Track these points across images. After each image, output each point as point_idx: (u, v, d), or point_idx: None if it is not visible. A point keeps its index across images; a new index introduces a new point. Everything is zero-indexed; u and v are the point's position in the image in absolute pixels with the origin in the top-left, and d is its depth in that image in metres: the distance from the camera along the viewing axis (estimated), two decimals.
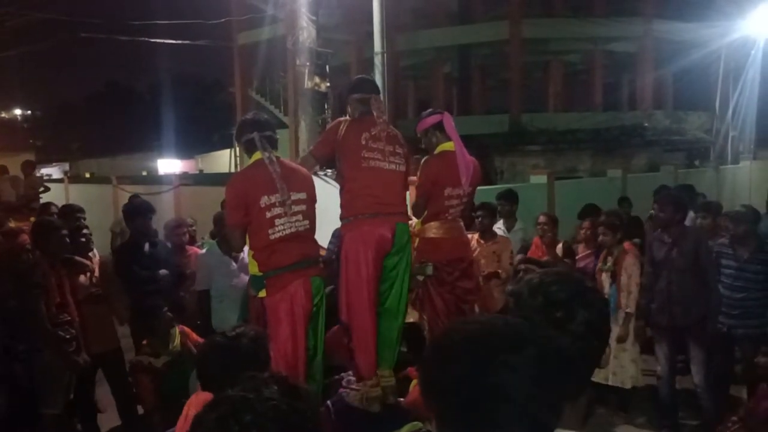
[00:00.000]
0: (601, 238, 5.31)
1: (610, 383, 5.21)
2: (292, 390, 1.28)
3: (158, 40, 18.34)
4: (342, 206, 3.78)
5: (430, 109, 4.29)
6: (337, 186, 3.98)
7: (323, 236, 3.97)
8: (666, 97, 22.28)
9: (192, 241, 6.14)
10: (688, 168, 15.87)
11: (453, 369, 1.04)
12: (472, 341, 1.06)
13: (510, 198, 6.34)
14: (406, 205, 3.98)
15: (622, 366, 5.16)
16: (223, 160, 27.31)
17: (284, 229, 3.39)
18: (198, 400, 2.12)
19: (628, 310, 5.09)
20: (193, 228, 6.26)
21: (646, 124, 18.84)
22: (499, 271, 5.36)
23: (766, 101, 18.17)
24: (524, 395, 1.01)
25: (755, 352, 4.66)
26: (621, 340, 5.08)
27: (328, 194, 4.26)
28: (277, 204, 3.36)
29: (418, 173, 4.05)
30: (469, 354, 1.04)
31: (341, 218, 3.80)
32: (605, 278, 5.27)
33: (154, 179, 17.04)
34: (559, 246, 5.82)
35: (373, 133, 3.75)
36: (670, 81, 22.08)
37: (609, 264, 5.25)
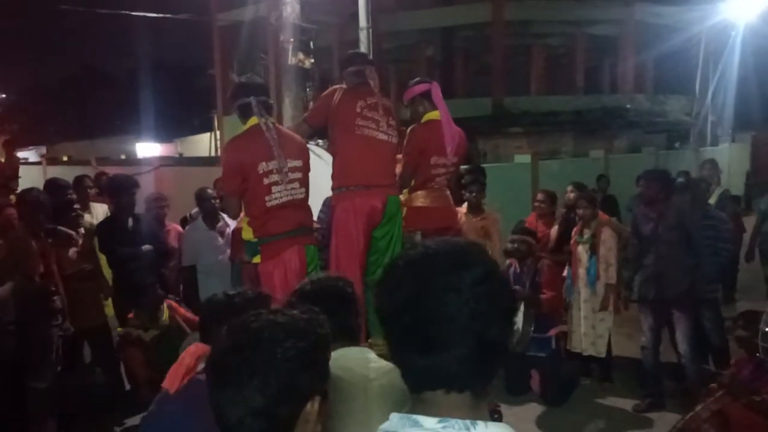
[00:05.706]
0: (582, 211, 5.38)
1: (591, 353, 5.36)
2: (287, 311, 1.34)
3: (137, 14, 18.12)
4: (334, 176, 3.75)
5: (417, 78, 4.25)
6: (324, 158, 3.94)
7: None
8: (647, 81, 22.43)
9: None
10: (668, 150, 16.04)
11: (398, 294, 1.04)
12: (415, 265, 1.06)
13: (480, 171, 6.02)
14: (396, 177, 3.97)
15: (600, 336, 5.31)
16: (203, 144, 27.01)
17: (281, 197, 3.34)
18: (196, 349, 2.12)
19: (609, 282, 5.21)
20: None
21: (629, 106, 18.98)
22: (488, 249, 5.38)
23: (745, 85, 18.38)
24: (467, 314, 1.00)
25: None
26: (602, 309, 5.21)
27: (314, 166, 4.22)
28: (274, 171, 3.30)
29: (404, 142, 4.02)
30: (411, 278, 1.04)
31: (333, 188, 3.78)
32: (582, 250, 5.36)
33: (134, 162, 16.80)
34: (554, 228, 5.87)
35: (369, 102, 3.72)
36: (651, 64, 22.23)
37: (587, 236, 5.34)
